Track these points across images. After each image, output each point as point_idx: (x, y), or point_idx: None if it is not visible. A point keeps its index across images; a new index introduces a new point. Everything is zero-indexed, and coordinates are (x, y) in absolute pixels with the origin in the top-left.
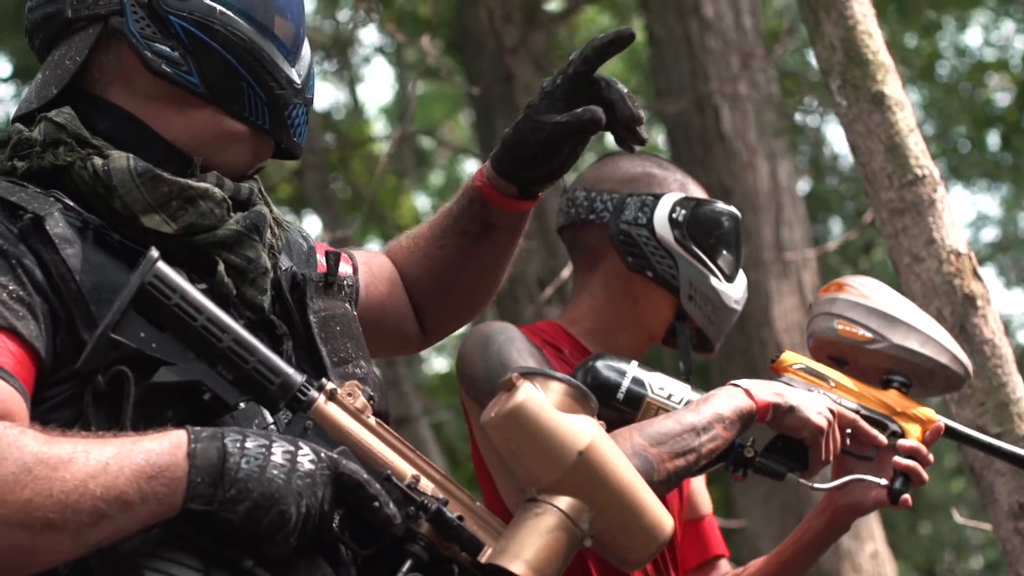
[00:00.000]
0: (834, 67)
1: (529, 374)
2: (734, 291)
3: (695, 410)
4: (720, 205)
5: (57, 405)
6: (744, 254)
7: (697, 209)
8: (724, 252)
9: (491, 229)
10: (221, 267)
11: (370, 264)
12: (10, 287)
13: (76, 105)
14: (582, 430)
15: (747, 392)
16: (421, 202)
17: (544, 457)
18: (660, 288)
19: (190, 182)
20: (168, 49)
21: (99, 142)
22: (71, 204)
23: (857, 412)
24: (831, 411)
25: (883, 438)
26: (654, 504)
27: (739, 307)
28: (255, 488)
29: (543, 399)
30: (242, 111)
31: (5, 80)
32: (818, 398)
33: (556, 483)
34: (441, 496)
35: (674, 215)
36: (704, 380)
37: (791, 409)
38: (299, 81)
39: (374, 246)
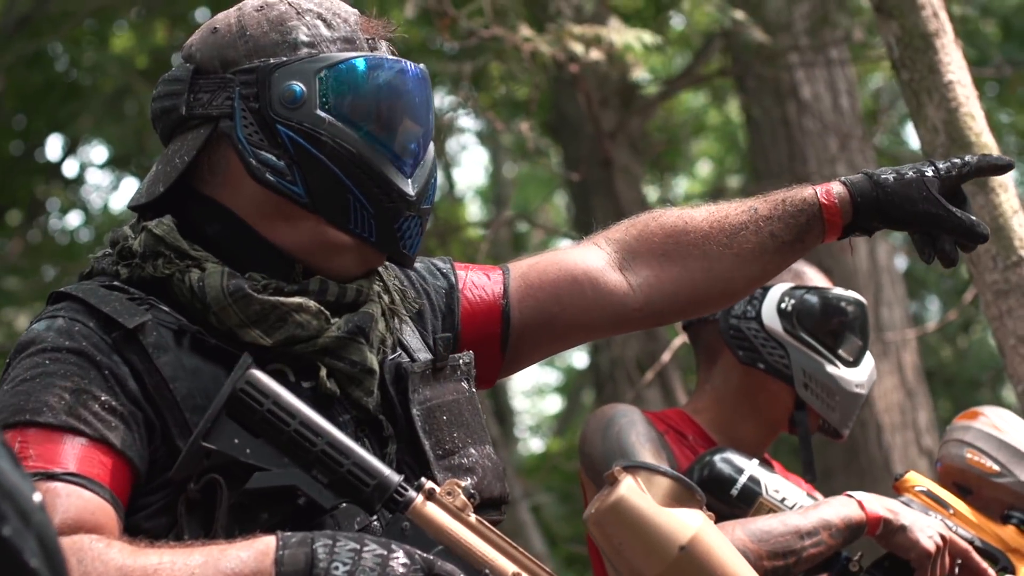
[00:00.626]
0: (937, 149)
1: (632, 468)
2: (856, 376)
3: (803, 514)
4: (835, 292)
5: (153, 513)
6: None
7: (807, 297)
8: (843, 337)
9: (796, 247)
10: (323, 372)
11: (528, 273)
12: (103, 398)
13: (186, 204)
14: (685, 524)
15: (859, 503)
16: None
17: (645, 552)
18: (775, 379)
19: (282, 300)
20: (274, 158)
21: (199, 253)
22: (166, 309)
23: (971, 543)
24: (943, 537)
25: (992, 572)
26: None
27: (863, 391)
28: None
29: (643, 494)
30: (347, 223)
31: (101, 167)
32: (932, 522)
33: None
34: None
35: (782, 305)
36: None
37: (902, 528)
38: (413, 193)
39: None
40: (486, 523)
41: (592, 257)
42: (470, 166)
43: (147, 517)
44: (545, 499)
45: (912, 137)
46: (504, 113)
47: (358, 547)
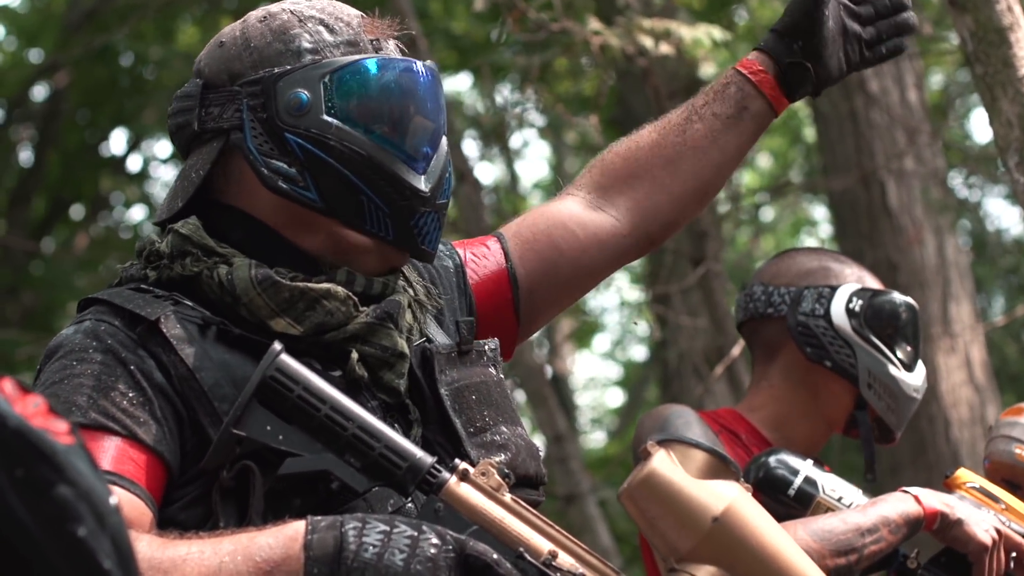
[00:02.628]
0: (1011, 143)
1: (666, 441)
2: (913, 380)
3: (862, 511)
4: (898, 296)
5: (188, 504)
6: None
7: (874, 300)
8: (902, 342)
9: (744, 115)
10: (354, 355)
11: (520, 231)
12: (130, 394)
13: (209, 214)
14: (719, 495)
15: (916, 499)
16: None
17: (679, 524)
18: (839, 378)
19: (310, 284)
20: (285, 165)
21: (226, 250)
22: (190, 304)
23: None
24: (998, 531)
25: None
26: (807, 568)
27: (918, 396)
28: (372, 575)
29: (676, 466)
30: (363, 224)
31: (164, 161)
32: (986, 516)
33: (693, 551)
34: (580, 571)
35: (851, 305)
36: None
37: (959, 522)
38: (427, 189)
39: None
40: (521, 502)
41: (570, 204)
42: (533, 161)
43: (182, 508)
44: (609, 494)
45: (979, 131)
46: (569, 108)
47: (388, 529)
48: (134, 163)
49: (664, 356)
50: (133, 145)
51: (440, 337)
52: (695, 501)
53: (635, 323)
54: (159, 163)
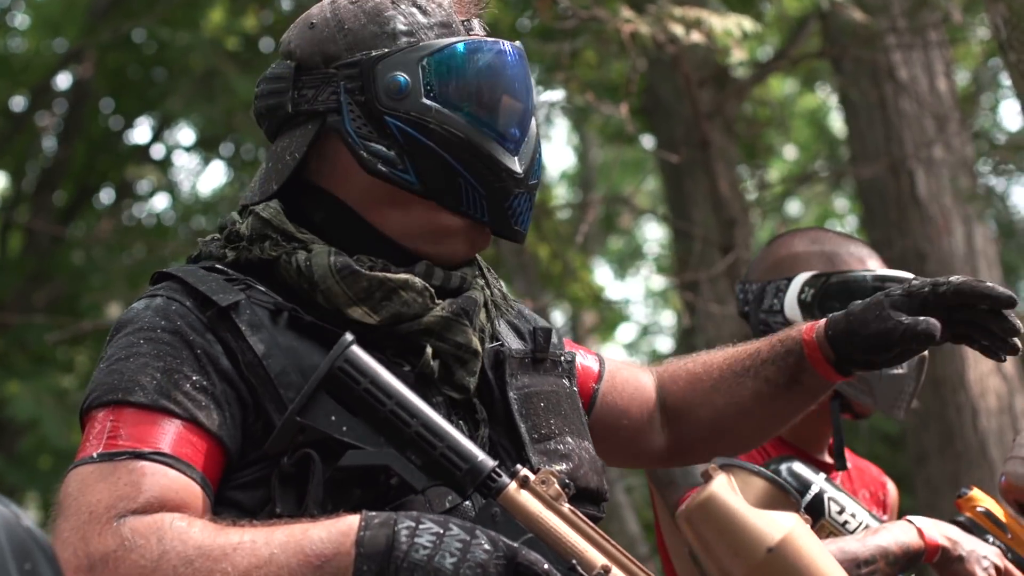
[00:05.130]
0: None
1: (728, 467)
2: None
3: (861, 541)
4: (857, 274)
5: (248, 485)
6: None
7: (828, 283)
8: None
9: (795, 388)
10: (428, 350)
11: (616, 375)
12: (193, 378)
13: (297, 195)
14: (776, 524)
15: (920, 531)
16: (602, 273)
17: (733, 551)
18: None
19: (388, 275)
20: (384, 148)
21: (306, 236)
22: (262, 289)
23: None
24: (997, 568)
25: None
26: None
27: (902, 371)
28: None
29: (735, 493)
30: (459, 205)
31: (188, 149)
32: (989, 551)
33: None
34: None
35: (803, 296)
36: (896, 448)
37: (960, 558)
38: (520, 170)
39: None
40: (579, 514)
41: (652, 388)
42: (558, 149)
43: (241, 488)
44: (636, 482)
45: (1009, 119)
46: (598, 96)
47: (441, 531)
48: (158, 151)
49: (692, 343)
50: (157, 132)
51: (515, 343)
52: (752, 529)
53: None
54: (183, 151)
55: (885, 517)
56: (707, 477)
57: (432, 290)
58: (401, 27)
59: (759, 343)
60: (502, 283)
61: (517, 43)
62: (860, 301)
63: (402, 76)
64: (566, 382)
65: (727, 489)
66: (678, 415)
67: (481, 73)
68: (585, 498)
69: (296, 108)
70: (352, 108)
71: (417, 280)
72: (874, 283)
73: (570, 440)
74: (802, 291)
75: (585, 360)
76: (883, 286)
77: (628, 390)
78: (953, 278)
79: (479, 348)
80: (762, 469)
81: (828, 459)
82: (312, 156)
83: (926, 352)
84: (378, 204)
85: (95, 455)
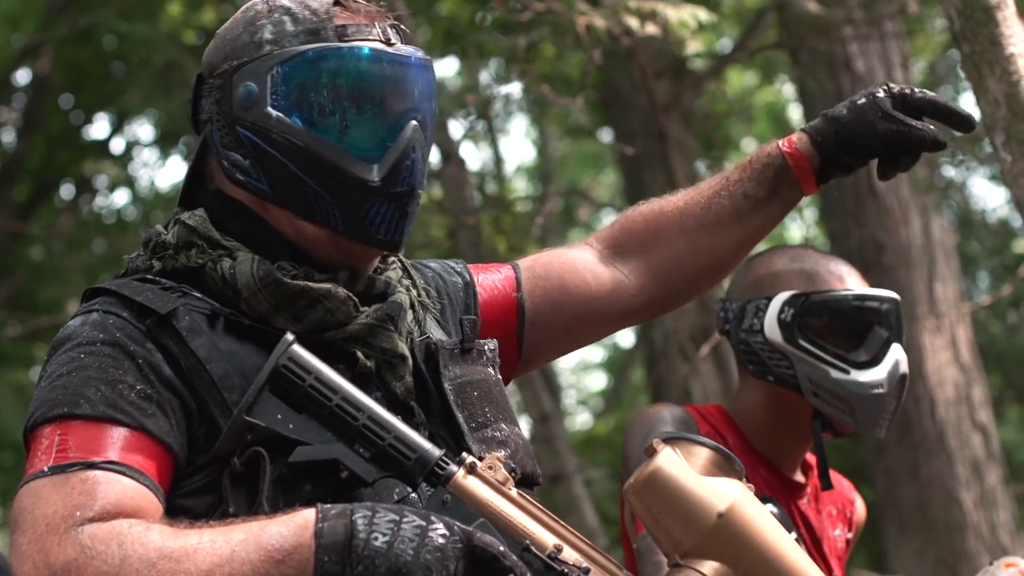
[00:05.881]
0: (998, 122)
1: (672, 439)
2: (872, 375)
3: None
4: (837, 293)
5: (197, 491)
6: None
7: (808, 303)
8: (854, 339)
9: (773, 200)
10: (360, 355)
11: (533, 267)
12: (138, 387)
13: (214, 202)
14: (723, 492)
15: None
16: None
17: (683, 521)
18: (788, 390)
19: (310, 284)
20: (240, 158)
21: (231, 243)
22: (199, 296)
23: None
24: None
25: None
26: (808, 568)
27: (883, 390)
28: (382, 564)
29: (682, 463)
30: (312, 215)
31: (148, 145)
32: None
33: (697, 547)
34: (584, 565)
35: (782, 316)
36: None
37: None
38: (376, 178)
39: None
40: (528, 497)
41: (586, 252)
42: (517, 143)
43: (191, 495)
44: (595, 474)
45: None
46: (555, 89)
47: (397, 518)
48: (117, 145)
49: (650, 336)
50: (116, 127)
51: (440, 335)
52: (699, 498)
53: None
54: (143, 146)
55: (850, 535)
56: (651, 451)
57: (355, 299)
58: (268, 36)
59: (722, 173)
60: (433, 284)
61: (403, 48)
62: (843, 107)
63: (252, 85)
64: (491, 370)
65: (672, 461)
66: (646, 251)
67: (327, 80)
68: (521, 483)
69: (195, 118)
70: (218, 119)
71: (340, 289)
72: (854, 302)
73: (504, 427)
74: (782, 311)
75: (499, 274)
76: (863, 306)
77: (554, 270)
78: (917, 90)
79: (405, 352)
80: (706, 439)
81: (799, 478)
82: (209, 164)
83: (907, 370)
84: (266, 212)
85: (46, 468)
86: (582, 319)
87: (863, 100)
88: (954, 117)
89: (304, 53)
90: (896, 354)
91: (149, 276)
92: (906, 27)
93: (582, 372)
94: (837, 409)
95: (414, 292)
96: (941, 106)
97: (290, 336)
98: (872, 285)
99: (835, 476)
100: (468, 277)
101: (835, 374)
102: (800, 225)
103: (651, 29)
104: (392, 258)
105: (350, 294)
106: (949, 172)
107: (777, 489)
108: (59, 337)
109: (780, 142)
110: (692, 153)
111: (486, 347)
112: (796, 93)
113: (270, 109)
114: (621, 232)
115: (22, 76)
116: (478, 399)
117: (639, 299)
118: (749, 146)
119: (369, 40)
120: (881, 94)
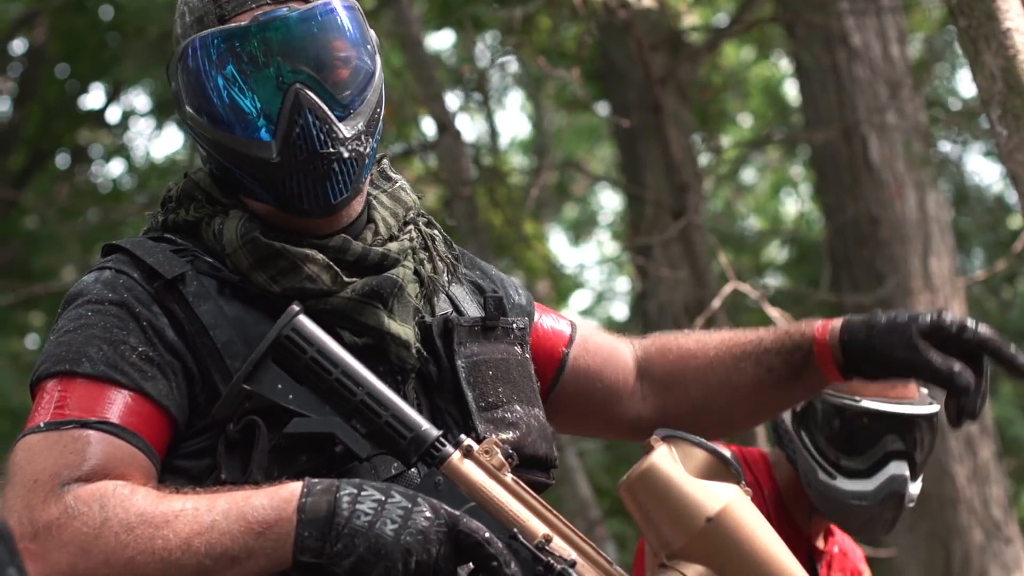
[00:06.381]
0: (994, 97)
1: (670, 438)
2: (859, 486)
3: None
4: (844, 400)
5: (194, 453)
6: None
7: (817, 401)
8: (852, 447)
9: (796, 381)
10: (347, 337)
11: (588, 339)
12: (140, 349)
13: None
14: (715, 495)
15: None
16: (556, 240)
17: (673, 521)
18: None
19: (288, 247)
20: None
21: (229, 201)
22: (209, 260)
23: None
24: None
25: None
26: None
27: (864, 503)
28: (361, 543)
29: (675, 463)
30: (255, 194)
31: (144, 115)
32: None
33: (685, 548)
34: (573, 557)
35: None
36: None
37: None
38: (274, 155)
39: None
40: (522, 483)
41: (628, 356)
42: (513, 116)
43: (188, 457)
44: (589, 446)
45: (962, 86)
46: (551, 62)
47: (383, 498)
48: (113, 115)
49: (644, 308)
50: (112, 97)
51: (473, 310)
52: (691, 499)
53: None
54: (138, 116)
55: None
56: (648, 448)
57: (338, 269)
58: (178, 30)
59: (762, 332)
60: (488, 276)
61: (285, 7)
62: (883, 315)
63: (175, 84)
64: (518, 349)
65: (668, 460)
66: (666, 387)
67: (206, 70)
68: (534, 465)
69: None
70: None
71: (319, 255)
72: (850, 413)
73: (519, 408)
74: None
75: (557, 324)
76: (855, 419)
77: (602, 355)
78: (981, 328)
79: (396, 331)
80: (703, 440)
81: (820, 543)
82: None
83: (909, 488)
84: None
85: (42, 424)
86: (602, 410)
87: (902, 319)
88: (1014, 367)
89: (186, 48)
90: (895, 469)
91: (165, 235)
92: (903, 1)
93: None
94: (822, 505)
95: (428, 267)
96: (1003, 354)
97: (296, 307)
98: (867, 260)
99: (849, 544)
100: (532, 310)
101: (822, 476)
102: (796, 199)
103: (647, 2)
104: (409, 226)
105: (331, 263)
106: (945, 147)
107: (798, 552)
108: (72, 291)
109: (819, 326)
110: (688, 126)
111: (514, 325)
112: (792, 68)
113: (188, 107)
114: (656, 355)
115: (18, 46)
116: (492, 378)
117: (647, 422)
118: (745, 121)
119: (252, 10)
120: (925, 319)
